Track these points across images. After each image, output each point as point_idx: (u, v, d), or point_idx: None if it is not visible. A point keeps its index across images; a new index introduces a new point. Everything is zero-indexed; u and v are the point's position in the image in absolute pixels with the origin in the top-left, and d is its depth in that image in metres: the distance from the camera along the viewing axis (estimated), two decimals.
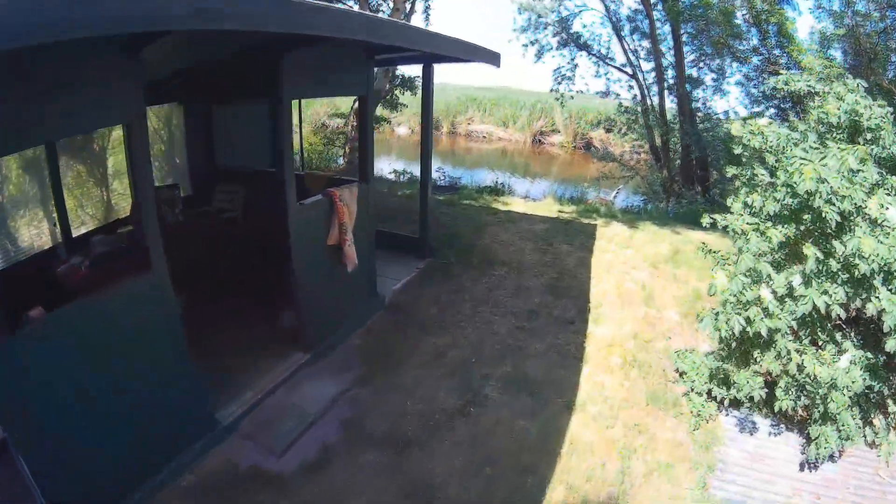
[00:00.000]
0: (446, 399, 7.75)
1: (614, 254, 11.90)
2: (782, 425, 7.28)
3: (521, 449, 7.00)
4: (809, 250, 5.75)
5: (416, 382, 8.01)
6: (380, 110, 21.37)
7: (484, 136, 34.15)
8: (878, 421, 6.68)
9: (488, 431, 7.23)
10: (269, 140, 9.20)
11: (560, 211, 14.67)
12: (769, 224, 6.44)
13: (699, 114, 19.34)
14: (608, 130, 25.01)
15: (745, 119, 6.98)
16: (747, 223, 6.69)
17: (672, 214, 15.72)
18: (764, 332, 5.97)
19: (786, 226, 6.37)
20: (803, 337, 6.58)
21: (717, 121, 19.38)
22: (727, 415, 7.56)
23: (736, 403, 7.26)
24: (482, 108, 34.67)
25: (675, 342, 9.18)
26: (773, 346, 6.35)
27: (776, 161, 6.55)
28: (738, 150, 7.11)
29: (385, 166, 24.31)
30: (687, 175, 19.01)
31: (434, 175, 19.24)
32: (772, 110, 18.29)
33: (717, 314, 6.44)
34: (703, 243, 8.13)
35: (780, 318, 6.03)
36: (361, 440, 6.75)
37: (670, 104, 19.87)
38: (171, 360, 5.78)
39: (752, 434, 7.24)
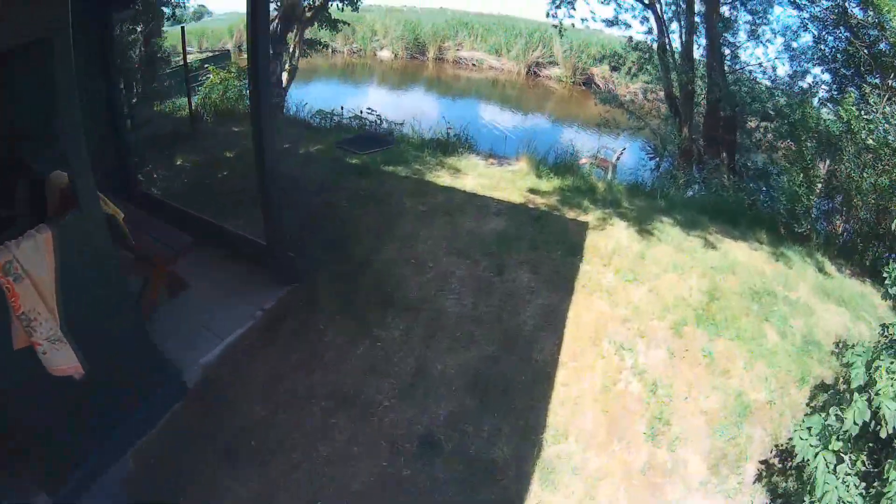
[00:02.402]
0: None
1: (610, 297, 6.55)
2: None
3: None
4: None
5: None
6: (315, 32, 15.85)
7: (474, 64, 28.25)
8: None
9: None
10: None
11: (533, 190, 9.14)
12: None
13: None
14: (614, 69, 19.18)
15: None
16: None
17: (701, 193, 10.82)
18: None
19: None
20: None
21: (750, 74, 14.08)
22: None
23: None
24: (474, 33, 28.58)
25: None
26: None
27: None
28: None
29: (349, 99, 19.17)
30: (711, 137, 13.35)
31: (369, 116, 13.29)
32: (826, 75, 12.53)
33: None
34: None
35: None
36: None
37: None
38: None
39: None
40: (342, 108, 13.59)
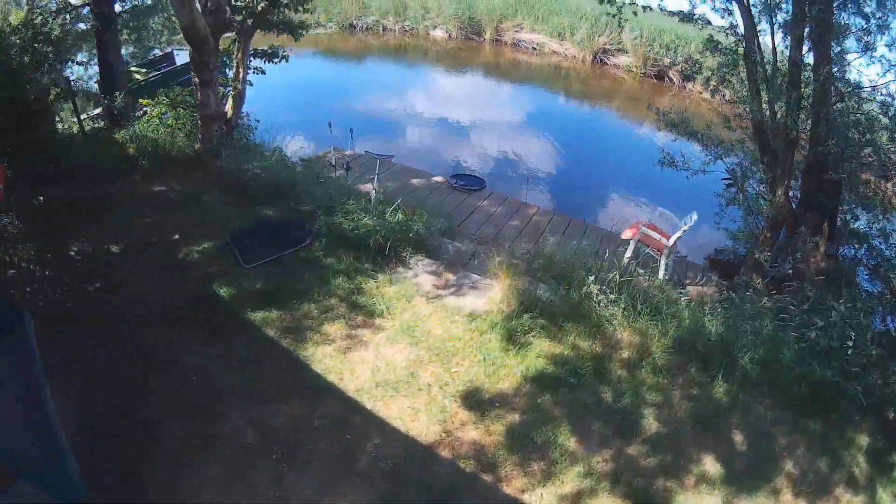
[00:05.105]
0: None
1: None
2: None
3: None
4: None
5: None
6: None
7: (534, 48, 23.47)
8: None
9: None
10: None
11: (473, 396, 4.99)
12: None
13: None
14: (687, 78, 14.17)
15: None
16: None
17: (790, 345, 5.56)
18: None
19: None
20: None
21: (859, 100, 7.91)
22: None
23: None
24: (534, 14, 23.64)
25: None
26: None
27: None
28: None
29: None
30: (810, 198, 8.20)
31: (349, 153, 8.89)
32: None
33: None
34: None
35: None
36: None
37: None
38: None
39: None
40: (329, 125, 9.26)
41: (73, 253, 6.51)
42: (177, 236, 6.90)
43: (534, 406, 4.65)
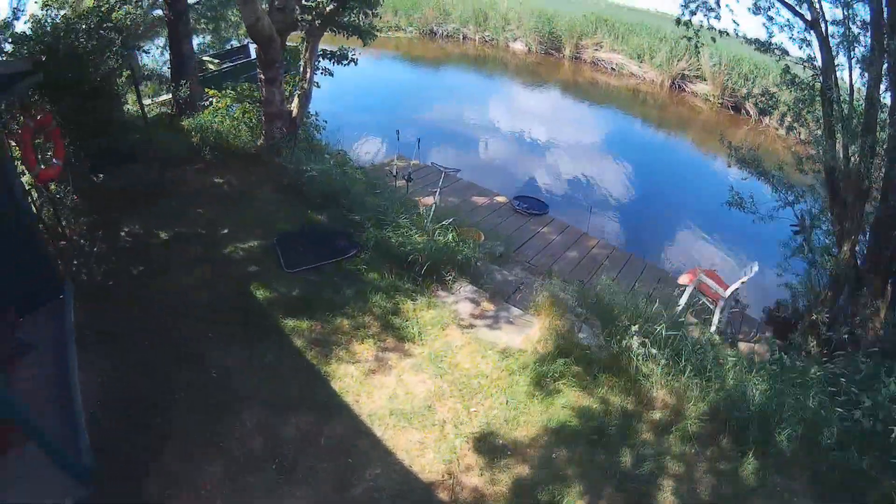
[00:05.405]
0: None
1: None
2: None
3: None
4: None
5: None
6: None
7: (613, 68, 23.01)
8: None
9: None
10: None
11: (486, 442, 4.63)
12: None
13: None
14: (763, 112, 13.61)
15: None
16: None
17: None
18: None
19: None
20: None
21: None
22: None
23: None
24: (614, 32, 23.25)
25: None
26: None
27: None
28: None
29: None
30: (877, 257, 7.60)
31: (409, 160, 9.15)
32: None
33: None
34: None
35: None
36: None
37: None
38: None
39: None
40: (397, 133, 9.07)
41: (123, 234, 6.65)
42: (225, 231, 6.96)
43: (547, 460, 4.40)
